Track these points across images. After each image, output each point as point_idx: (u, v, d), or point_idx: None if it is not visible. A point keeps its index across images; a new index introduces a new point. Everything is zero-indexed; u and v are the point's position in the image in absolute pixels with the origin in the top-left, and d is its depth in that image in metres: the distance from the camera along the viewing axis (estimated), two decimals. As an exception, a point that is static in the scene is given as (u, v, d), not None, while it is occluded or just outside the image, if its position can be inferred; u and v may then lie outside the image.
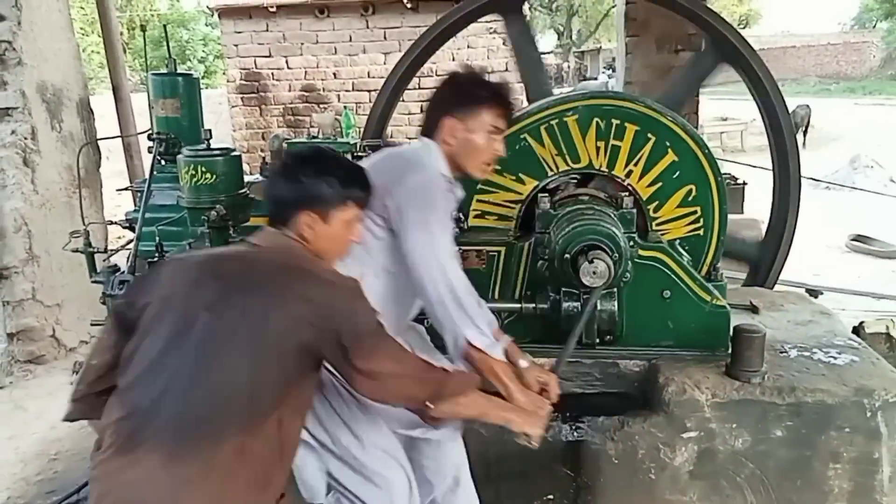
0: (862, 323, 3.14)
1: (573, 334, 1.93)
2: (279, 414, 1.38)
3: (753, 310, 2.56)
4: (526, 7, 2.94)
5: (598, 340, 2.17)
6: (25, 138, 3.99)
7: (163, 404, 1.31)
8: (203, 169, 2.21)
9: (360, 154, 2.35)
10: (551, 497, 2.17)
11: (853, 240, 7.21)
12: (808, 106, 14.96)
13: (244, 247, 1.59)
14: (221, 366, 1.35)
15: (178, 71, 2.62)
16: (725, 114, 16.52)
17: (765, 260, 2.91)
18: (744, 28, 33.40)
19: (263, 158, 2.43)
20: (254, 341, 1.36)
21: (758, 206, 3.05)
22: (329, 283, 1.47)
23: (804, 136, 14.51)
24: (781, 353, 2.23)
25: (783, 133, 2.85)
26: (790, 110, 2.95)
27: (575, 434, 2.12)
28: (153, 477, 1.26)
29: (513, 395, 1.71)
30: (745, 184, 5.02)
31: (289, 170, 1.61)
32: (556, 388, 1.80)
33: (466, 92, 1.88)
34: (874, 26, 35.88)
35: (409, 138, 7.90)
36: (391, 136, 7.64)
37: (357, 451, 1.71)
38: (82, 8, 19.38)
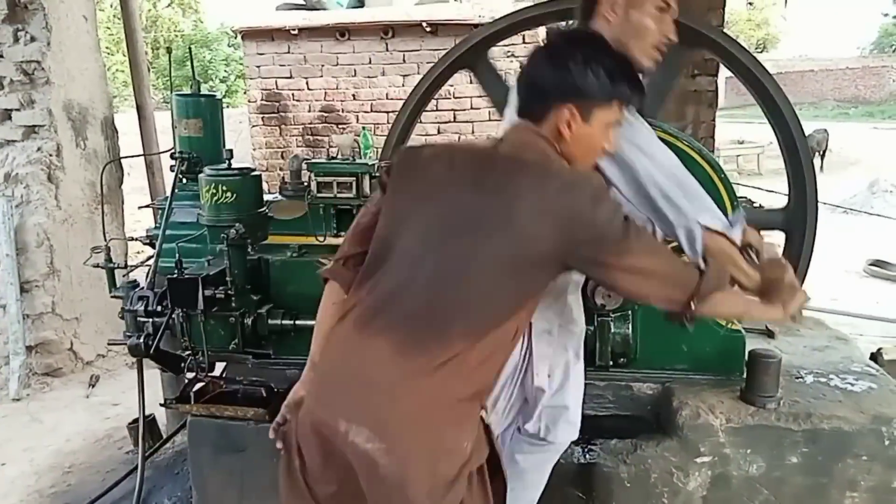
0: (880, 349, 3.09)
1: None
2: (508, 323, 1.34)
3: (769, 334, 2.54)
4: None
5: (611, 363, 2.16)
6: (50, 155, 4.09)
7: (403, 297, 1.32)
8: (224, 188, 2.25)
9: (376, 175, 2.37)
10: (563, 520, 2.15)
11: (871, 264, 7.14)
12: (825, 130, 14.90)
13: (489, 145, 1.45)
14: (461, 272, 1.31)
15: (202, 92, 2.68)
16: (742, 136, 16.49)
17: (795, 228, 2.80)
18: (761, 52, 33.43)
19: (282, 178, 2.49)
20: (495, 253, 1.31)
21: (775, 230, 3.04)
22: (567, 186, 1.33)
23: (822, 160, 14.44)
24: (797, 378, 2.21)
25: (799, 156, 2.84)
26: (807, 134, 2.95)
27: (587, 457, 2.11)
28: (383, 362, 1.29)
29: (755, 280, 1.56)
30: (761, 207, 5.01)
31: (556, 54, 1.40)
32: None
33: None
34: (894, 51, 35.77)
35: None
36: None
37: None
38: (108, 28, 19.81)
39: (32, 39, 4.00)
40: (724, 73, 4.33)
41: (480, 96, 7.71)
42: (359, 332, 1.34)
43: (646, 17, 1.62)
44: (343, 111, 8.05)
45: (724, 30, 3.86)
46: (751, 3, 33.55)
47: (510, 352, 1.43)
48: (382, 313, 1.34)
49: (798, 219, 2.84)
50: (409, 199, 1.41)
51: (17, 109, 4.07)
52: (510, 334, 1.37)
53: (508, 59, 7.50)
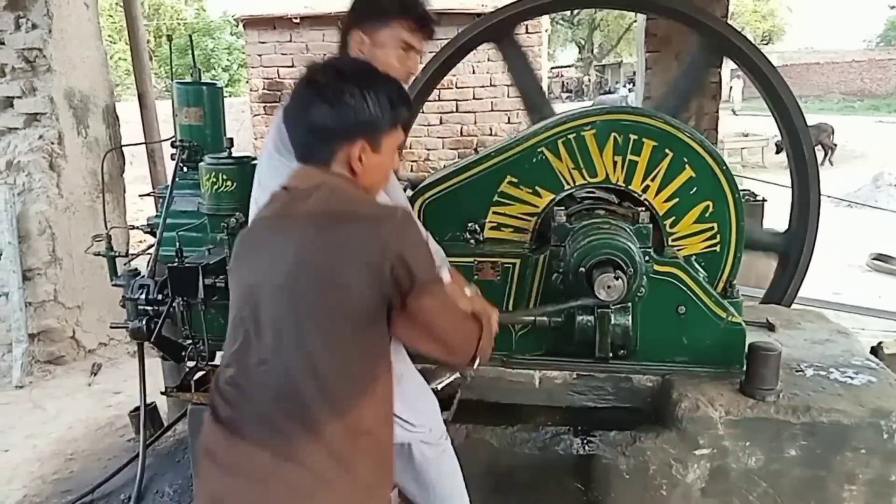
0: (880, 343, 3.08)
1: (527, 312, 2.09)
2: (380, 378, 1.28)
3: (769, 327, 2.54)
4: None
5: (611, 355, 2.16)
6: (52, 143, 4.08)
7: (253, 393, 1.25)
8: (224, 177, 2.25)
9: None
10: (561, 511, 2.16)
11: (874, 259, 7.12)
12: (825, 124, 14.77)
13: (282, 201, 1.34)
14: (306, 346, 1.22)
15: (203, 80, 2.67)
16: (747, 129, 16.43)
17: (792, 250, 2.84)
18: (766, 44, 33.22)
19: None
20: (331, 316, 1.22)
21: (778, 223, 3.04)
22: (376, 219, 1.27)
23: (828, 154, 14.35)
24: (797, 371, 2.21)
25: (803, 150, 2.83)
26: (814, 125, 2.94)
27: (586, 448, 2.12)
28: (263, 475, 1.20)
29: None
30: (764, 200, 5.00)
31: (330, 91, 1.31)
32: (496, 320, 1.61)
33: (373, 3, 1.78)
34: (900, 44, 35.53)
35: (428, 149, 7.95)
36: (410, 147, 7.70)
37: None
38: (111, 16, 19.76)
39: (34, 27, 3.99)
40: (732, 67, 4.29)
41: (483, 87, 7.69)
42: (230, 439, 1.27)
43: (390, 57, 1.76)
44: (345, 101, 8.04)
45: (729, 21, 3.84)
46: (757, -6, 33.36)
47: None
48: (244, 416, 1.26)
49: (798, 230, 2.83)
50: (247, 274, 1.33)
51: (19, 97, 4.06)
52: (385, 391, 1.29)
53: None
